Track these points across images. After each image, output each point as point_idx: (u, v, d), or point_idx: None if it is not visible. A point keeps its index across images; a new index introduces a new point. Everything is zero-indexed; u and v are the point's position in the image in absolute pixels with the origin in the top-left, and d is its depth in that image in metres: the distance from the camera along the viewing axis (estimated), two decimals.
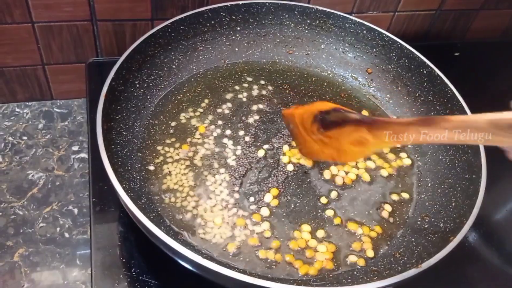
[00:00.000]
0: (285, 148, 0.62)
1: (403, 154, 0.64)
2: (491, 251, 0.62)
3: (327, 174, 0.60)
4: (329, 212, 0.57)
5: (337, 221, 0.56)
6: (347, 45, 0.73)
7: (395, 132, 0.46)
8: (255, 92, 0.69)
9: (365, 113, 0.69)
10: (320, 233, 0.55)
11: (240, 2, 0.69)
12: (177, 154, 0.60)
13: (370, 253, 0.54)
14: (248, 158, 0.61)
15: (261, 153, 0.61)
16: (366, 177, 0.61)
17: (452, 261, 0.47)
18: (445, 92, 0.64)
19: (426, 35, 0.91)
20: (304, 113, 0.53)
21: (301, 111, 0.54)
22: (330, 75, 0.74)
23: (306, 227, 0.55)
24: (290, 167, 0.60)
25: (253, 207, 0.56)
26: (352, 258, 0.53)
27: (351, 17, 0.71)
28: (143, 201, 0.53)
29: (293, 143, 0.62)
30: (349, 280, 0.50)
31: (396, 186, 0.61)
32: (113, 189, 0.48)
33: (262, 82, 0.71)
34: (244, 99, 0.68)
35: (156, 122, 0.63)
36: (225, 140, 0.62)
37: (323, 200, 0.58)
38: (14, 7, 0.65)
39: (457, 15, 0.89)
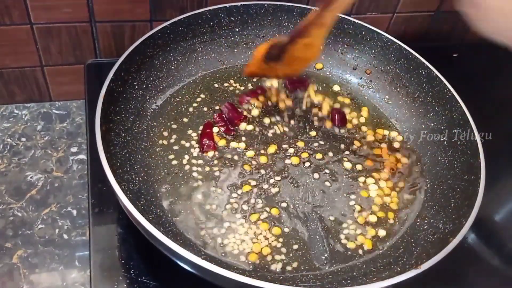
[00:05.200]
0: (291, 150, 0.62)
1: (399, 154, 0.64)
2: (490, 252, 0.62)
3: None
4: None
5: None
6: (346, 46, 0.73)
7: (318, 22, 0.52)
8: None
9: (364, 111, 0.69)
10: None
11: (239, 4, 0.70)
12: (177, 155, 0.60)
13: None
14: (248, 161, 0.61)
15: (263, 159, 0.61)
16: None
17: (451, 262, 0.47)
18: (444, 93, 0.64)
19: (425, 36, 0.91)
20: (256, 62, 0.59)
21: (253, 62, 0.59)
22: (329, 76, 0.74)
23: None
24: (294, 161, 0.60)
25: (251, 208, 0.56)
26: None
27: (350, 18, 0.71)
28: (142, 202, 0.53)
29: (299, 143, 0.63)
30: (348, 281, 0.50)
31: (395, 187, 0.61)
32: (112, 191, 0.47)
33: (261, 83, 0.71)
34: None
35: (155, 123, 0.63)
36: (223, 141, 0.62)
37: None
38: (13, 8, 0.65)
39: (456, 16, 0.89)
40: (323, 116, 0.67)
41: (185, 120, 0.64)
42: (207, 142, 0.60)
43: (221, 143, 0.61)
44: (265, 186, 0.58)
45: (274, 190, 0.58)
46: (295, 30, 0.54)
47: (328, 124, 0.66)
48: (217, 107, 0.66)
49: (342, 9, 0.50)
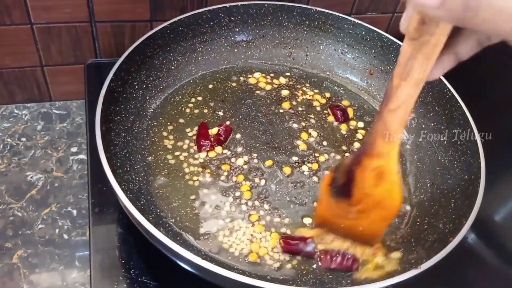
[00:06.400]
0: (293, 151, 0.62)
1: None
2: (490, 252, 0.62)
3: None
4: None
5: None
6: (346, 46, 0.73)
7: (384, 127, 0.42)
8: (254, 94, 0.69)
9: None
10: None
11: (239, 3, 0.70)
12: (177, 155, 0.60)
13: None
14: (249, 163, 0.61)
15: (269, 163, 0.61)
16: None
17: (451, 261, 0.47)
18: (444, 93, 0.64)
19: None
20: (324, 197, 0.50)
21: (321, 199, 0.50)
22: (329, 76, 0.74)
23: (307, 219, 0.55)
24: (295, 161, 0.60)
25: (250, 208, 0.56)
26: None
27: (350, 18, 0.71)
28: (142, 202, 0.53)
29: (301, 145, 0.63)
30: (348, 281, 0.50)
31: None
32: (112, 191, 0.47)
33: (262, 83, 0.71)
34: (243, 101, 0.68)
35: (155, 123, 0.63)
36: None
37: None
38: (13, 8, 0.65)
39: None
40: (321, 110, 0.68)
41: (185, 120, 0.64)
42: (205, 142, 0.60)
43: (218, 150, 0.62)
44: (265, 186, 0.58)
45: (273, 189, 0.58)
46: (359, 150, 0.45)
47: (331, 118, 0.67)
48: (218, 111, 0.66)
49: (408, 110, 0.41)
